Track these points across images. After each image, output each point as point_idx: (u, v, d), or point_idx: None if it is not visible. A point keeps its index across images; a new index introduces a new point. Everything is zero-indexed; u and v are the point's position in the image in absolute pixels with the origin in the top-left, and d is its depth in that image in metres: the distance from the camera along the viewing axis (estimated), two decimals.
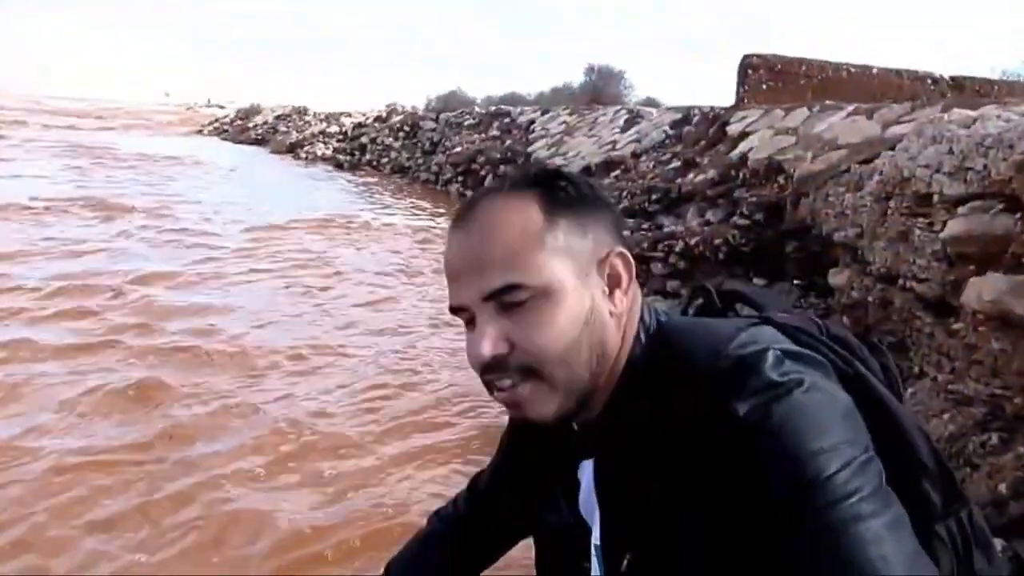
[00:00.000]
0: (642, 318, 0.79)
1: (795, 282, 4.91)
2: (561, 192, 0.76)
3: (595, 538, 0.84)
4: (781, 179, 5.30)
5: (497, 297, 0.72)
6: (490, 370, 0.74)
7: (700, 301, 0.89)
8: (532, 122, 12.63)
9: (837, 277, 4.32)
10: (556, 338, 0.73)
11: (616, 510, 0.79)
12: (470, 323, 0.76)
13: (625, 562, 0.77)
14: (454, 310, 0.77)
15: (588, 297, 0.74)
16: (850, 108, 5.57)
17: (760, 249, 5.26)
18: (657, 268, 6.02)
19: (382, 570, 1.10)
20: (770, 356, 0.69)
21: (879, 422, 0.72)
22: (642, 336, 0.78)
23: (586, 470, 0.83)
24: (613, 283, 0.77)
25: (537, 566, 0.98)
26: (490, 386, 0.77)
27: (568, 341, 0.73)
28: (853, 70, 7.76)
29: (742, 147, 6.25)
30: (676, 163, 7.43)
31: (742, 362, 0.69)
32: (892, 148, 4.10)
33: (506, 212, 0.74)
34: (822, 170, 4.81)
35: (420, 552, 1.10)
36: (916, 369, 3.51)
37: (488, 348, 0.72)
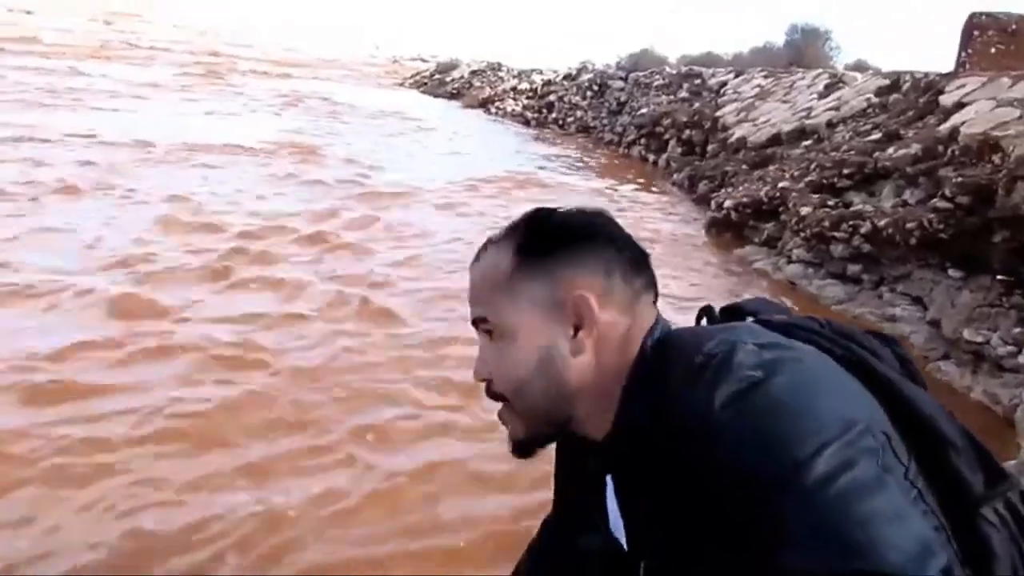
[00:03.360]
0: (653, 333, 0.82)
1: (999, 277, 4.30)
2: (536, 239, 0.84)
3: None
4: (996, 158, 4.62)
5: (477, 325, 0.87)
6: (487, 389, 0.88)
7: (704, 320, 0.91)
8: (724, 84, 11.95)
9: None
10: (508, 373, 0.84)
11: (635, 520, 0.81)
12: None
13: (641, 570, 0.79)
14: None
15: (545, 339, 0.82)
16: None
17: (960, 236, 4.65)
18: (838, 250, 5.53)
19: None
20: (740, 350, 0.70)
21: (891, 404, 0.72)
22: (648, 351, 0.81)
23: (611, 493, 0.86)
24: (578, 324, 0.81)
25: None
26: None
27: (520, 377, 0.83)
28: None
29: (955, 119, 5.52)
30: (877, 135, 6.71)
31: (713, 358, 0.70)
32: None
33: (489, 257, 0.86)
34: None
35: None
36: None
37: (477, 374, 0.88)
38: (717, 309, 0.93)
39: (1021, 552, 0.69)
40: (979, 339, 3.96)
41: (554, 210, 0.87)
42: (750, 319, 0.88)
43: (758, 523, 0.63)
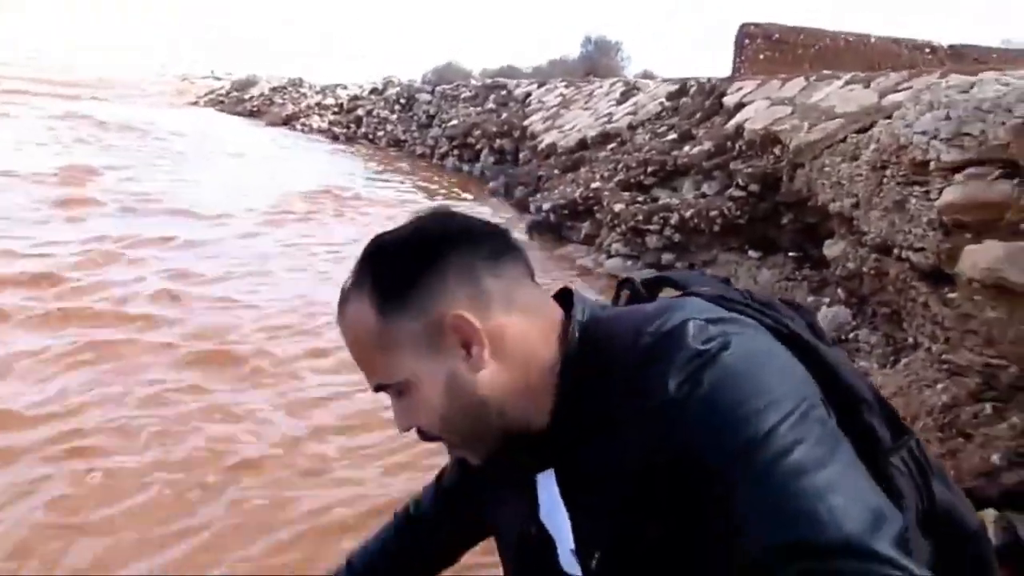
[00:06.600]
0: (573, 317, 0.80)
1: (790, 254, 4.86)
2: (387, 278, 0.78)
3: (569, 542, 0.82)
4: (777, 150, 5.22)
5: (380, 390, 0.81)
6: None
7: (627, 293, 0.90)
8: (528, 95, 12.46)
9: (832, 248, 4.28)
10: (429, 418, 0.79)
11: (582, 512, 0.79)
12: None
13: (594, 561, 0.77)
14: None
15: (442, 370, 0.77)
16: (847, 77, 5.47)
17: (755, 221, 5.20)
18: (652, 241, 5.96)
19: (344, 562, 1.15)
20: (691, 326, 0.70)
21: (816, 371, 0.74)
22: (575, 336, 0.78)
23: (545, 479, 0.83)
24: (466, 342, 0.77)
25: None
26: None
27: (440, 416, 0.78)
28: (851, 39, 7.63)
29: (738, 118, 6.15)
30: (672, 135, 7.32)
31: (665, 337, 0.70)
32: (889, 116, 4.03)
33: (352, 320, 0.79)
34: (818, 140, 4.73)
35: (382, 547, 1.15)
36: (911, 340, 3.47)
37: (400, 427, 0.82)
38: (639, 281, 0.91)
39: (920, 492, 0.78)
40: None
41: (393, 236, 0.81)
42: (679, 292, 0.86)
43: (717, 505, 0.63)
